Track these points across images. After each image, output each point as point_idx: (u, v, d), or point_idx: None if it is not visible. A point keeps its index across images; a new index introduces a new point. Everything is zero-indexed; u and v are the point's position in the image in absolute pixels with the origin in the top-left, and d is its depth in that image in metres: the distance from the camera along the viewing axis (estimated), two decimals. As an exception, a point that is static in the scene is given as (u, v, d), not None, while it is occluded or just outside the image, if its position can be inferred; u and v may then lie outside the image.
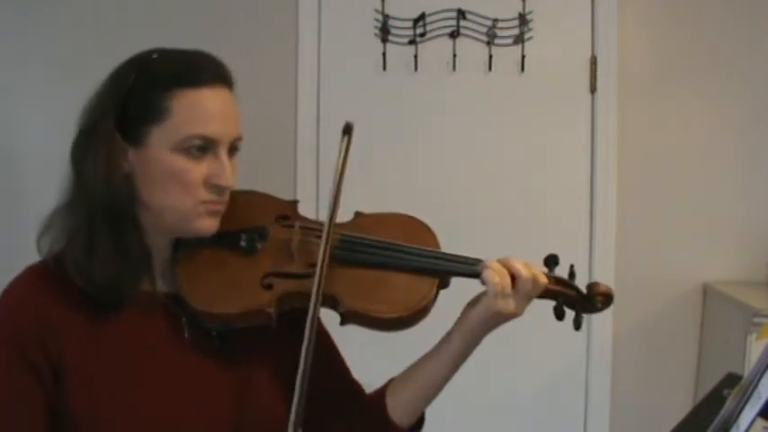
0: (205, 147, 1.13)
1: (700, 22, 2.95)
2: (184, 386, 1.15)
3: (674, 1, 2.96)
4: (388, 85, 2.95)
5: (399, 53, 2.94)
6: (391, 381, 1.29)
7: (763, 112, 2.96)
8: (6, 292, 1.15)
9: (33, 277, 1.15)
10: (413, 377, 1.26)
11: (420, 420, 1.30)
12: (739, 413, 0.97)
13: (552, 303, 1.25)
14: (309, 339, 1.08)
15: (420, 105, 2.98)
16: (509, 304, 1.18)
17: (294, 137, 2.93)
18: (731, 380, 1.19)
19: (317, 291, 1.11)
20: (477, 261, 1.21)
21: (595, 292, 1.25)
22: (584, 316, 1.25)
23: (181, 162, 1.12)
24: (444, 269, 1.21)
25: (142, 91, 1.13)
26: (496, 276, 1.17)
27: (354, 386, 1.35)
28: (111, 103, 1.14)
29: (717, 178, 2.98)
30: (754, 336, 2.50)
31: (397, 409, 1.25)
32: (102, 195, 1.13)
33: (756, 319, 2.50)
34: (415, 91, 2.97)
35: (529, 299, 1.20)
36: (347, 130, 1.16)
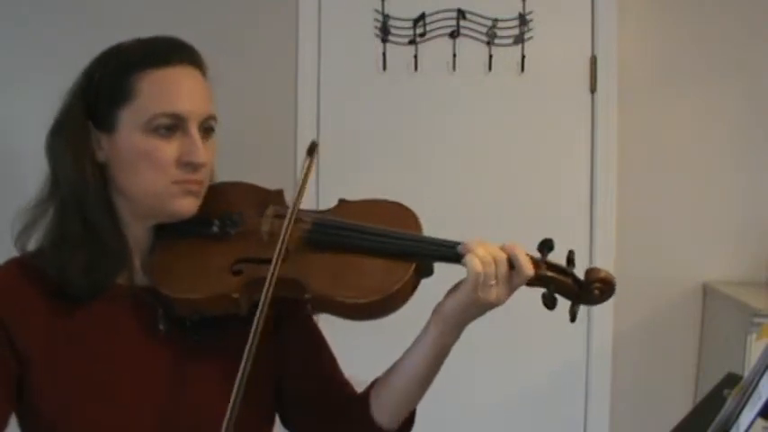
0: (174, 125, 1.12)
1: (700, 22, 2.95)
2: (155, 379, 1.14)
3: (674, 1, 2.96)
4: (388, 85, 2.95)
5: (399, 53, 2.94)
6: (375, 380, 1.24)
7: (763, 112, 2.96)
8: None
9: (9, 268, 1.15)
10: (394, 375, 1.20)
11: (408, 421, 1.24)
12: (739, 413, 0.97)
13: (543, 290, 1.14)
14: (257, 324, 1.04)
15: (420, 105, 2.98)
16: (490, 293, 1.10)
17: (294, 137, 2.93)
18: (731, 380, 1.19)
19: (272, 272, 1.06)
20: (457, 243, 1.14)
21: (593, 279, 1.14)
22: (582, 307, 1.16)
23: (150, 142, 1.11)
24: (421, 252, 1.15)
25: (110, 75, 1.14)
26: (479, 263, 1.09)
27: (342, 387, 1.29)
28: (82, 93, 1.15)
29: (717, 178, 2.98)
30: (754, 336, 2.50)
31: (382, 409, 1.20)
32: (72, 185, 1.13)
33: (756, 319, 2.50)
34: (415, 91, 2.97)
35: (513, 288, 1.12)
36: (311, 149, 1.18)
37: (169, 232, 1.18)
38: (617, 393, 2.99)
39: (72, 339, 1.12)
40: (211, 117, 1.16)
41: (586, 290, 1.14)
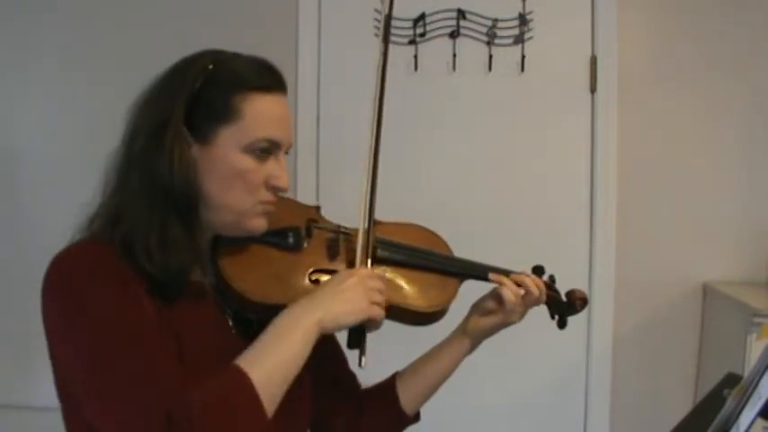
0: (269, 149, 1.19)
1: (700, 22, 2.95)
2: None
3: (674, 1, 2.96)
4: (388, 85, 2.94)
5: (399, 53, 2.94)
6: (397, 374, 1.42)
7: (763, 112, 2.96)
8: (73, 250, 1.12)
9: (98, 244, 1.13)
10: (422, 371, 1.41)
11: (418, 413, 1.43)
12: (739, 413, 0.97)
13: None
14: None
15: (420, 105, 2.98)
16: (517, 316, 1.39)
17: (294, 137, 2.93)
18: (731, 380, 1.19)
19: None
20: (492, 268, 1.39)
21: (575, 298, 1.46)
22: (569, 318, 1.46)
23: (247, 162, 1.17)
24: (465, 272, 1.38)
25: (214, 90, 1.17)
26: (513, 296, 1.36)
27: (354, 379, 1.44)
28: (181, 100, 1.16)
29: (717, 178, 2.98)
30: (754, 336, 2.50)
31: (407, 400, 1.39)
32: (177, 190, 1.15)
33: (756, 319, 2.50)
34: (416, 91, 2.97)
35: (529, 309, 1.40)
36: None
37: (233, 239, 1.22)
38: (617, 393, 2.99)
39: (167, 332, 1.11)
40: (292, 144, 1.26)
41: (572, 305, 1.46)
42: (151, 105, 1.18)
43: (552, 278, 1.47)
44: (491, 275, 1.38)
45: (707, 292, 2.96)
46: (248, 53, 1.27)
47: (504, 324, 1.39)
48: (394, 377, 1.42)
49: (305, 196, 2.73)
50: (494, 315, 1.38)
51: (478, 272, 1.39)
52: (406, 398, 1.39)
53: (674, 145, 2.98)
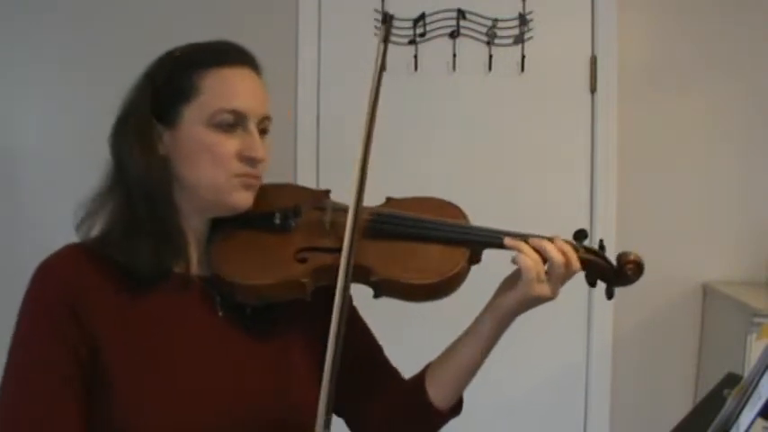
0: (235, 121, 1.18)
1: (700, 22, 2.95)
2: (222, 359, 1.18)
3: (674, 1, 2.96)
4: (388, 85, 2.93)
5: (399, 53, 2.94)
6: (428, 366, 1.31)
7: (763, 113, 2.96)
8: (44, 264, 1.16)
9: (72, 253, 1.18)
10: (449, 359, 1.28)
11: (459, 403, 1.31)
12: (739, 413, 0.97)
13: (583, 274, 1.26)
14: (341, 312, 1.10)
15: (420, 105, 2.98)
16: (545, 288, 1.19)
17: (294, 137, 2.93)
18: (731, 380, 1.19)
19: (348, 257, 1.13)
20: (509, 234, 1.23)
21: (625, 261, 1.25)
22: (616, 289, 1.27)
23: (212, 136, 1.17)
24: (474, 239, 1.24)
25: (173, 74, 1.19)
26: (530, 261, 1.18)
27: (390, 368, 1.36)
28: (145, 92, 1.20)
29: (717, 178, 2.98)
30: (754, 336, 2.50)
31: (436, 391, 1.28)
32: (141, 179, 1.17)
33: (756, 319, 2.50)
34: (415, 91, 2.97)
35: (563, 281, 1.21)
36: (385, 19, 1.28)
37: (228, 224, 1.23)
38: (617, 393, 2.99)
39: (135, 325, 1.14)
40: (267, 118, 1.22)
41: (621, 271, 1.25)
42: (122, 104, 1.22)
43: (601, 244, 1.28)
44: (506, 241, 1.21)
45: (707, 292, 2.96)
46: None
47: (530, 299, 1.19)
48: (425, 369, 1.31)
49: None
50: (516, 289, 1.20)
51: (490, 238, 1.23)
52: (435, 390, 1.27)
53: (674, 145, 2.98)
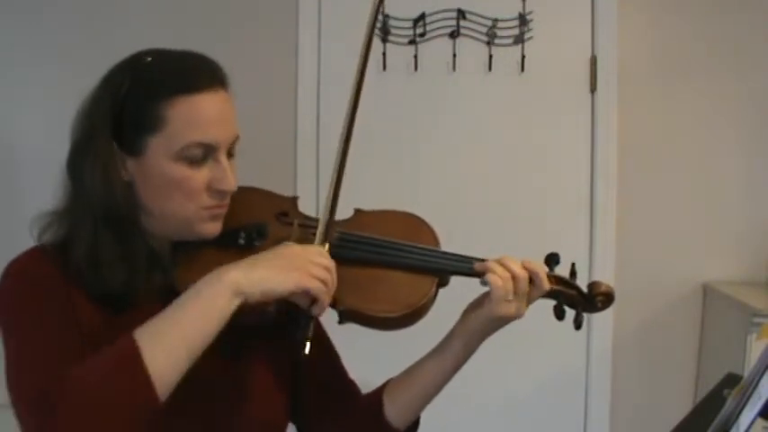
0: (205, 155, 1.12)
1: (700, 21, 2.95)
2: (190, 377, 1.13)
3: (674, 1, 2.96)
4: (388, 85, 2.95)
5: (399, 53, 2.94)
6: (389, 381, 1.29)
7: (764, 113, 2.96)
8: (16, 261, 1.14)
9: (42, 255, 1.14)
10: (411, 379, 1.25)
11: (416, 422, 1.29)
12: (739, 413, 0.97)
13: (552, 302, 1.24)
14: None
15: (420, 105, 2.98)
16: (510, 307, 1.17)
17: (294, 137, 2.93)
18: (731, 380, 1.19)
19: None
20: (477, 260, 1.20)
21: (596, 293, 1.23)
22: (585, 315, 1.24)
23: (181, 170, 1.11)
24: (444, 268, 1.20)
25: (137, 100, 1.11)
26: (500, 281, 1.16)
27: (351, 386, 1.35)
28: (106, 113, 1.12)
29: (717, 178, 2.98)
30: (754, 336, 2.50)
31: (394, 410, 1.25)
32: (103, 205, 1.12)
33: (756, 319, 2.50)
34: (415, 91, 2.97)
35: (530, 301, 1.20)
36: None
37: (192, 243, 1.18)
38: (617, 394, 2.99)
39: (106, 341, 1.09)
40: (237, 138, 1.17)
41: (590, 301, 1.23)
42: (82, 117, 1.15)
43: (572, 269, 1.25)
44: (476, 265, 1.19)
45: (707, 292, 2.96)
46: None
47: (497, 318, 1.18)
48: (384, 386, 1.29)
49: (305, 196, 2.71)
50: (482, 308, 1.19)
51: (459, 266, 1.20)
52: (393, 410, 1.25)
53: (674, 145, 2.98)
